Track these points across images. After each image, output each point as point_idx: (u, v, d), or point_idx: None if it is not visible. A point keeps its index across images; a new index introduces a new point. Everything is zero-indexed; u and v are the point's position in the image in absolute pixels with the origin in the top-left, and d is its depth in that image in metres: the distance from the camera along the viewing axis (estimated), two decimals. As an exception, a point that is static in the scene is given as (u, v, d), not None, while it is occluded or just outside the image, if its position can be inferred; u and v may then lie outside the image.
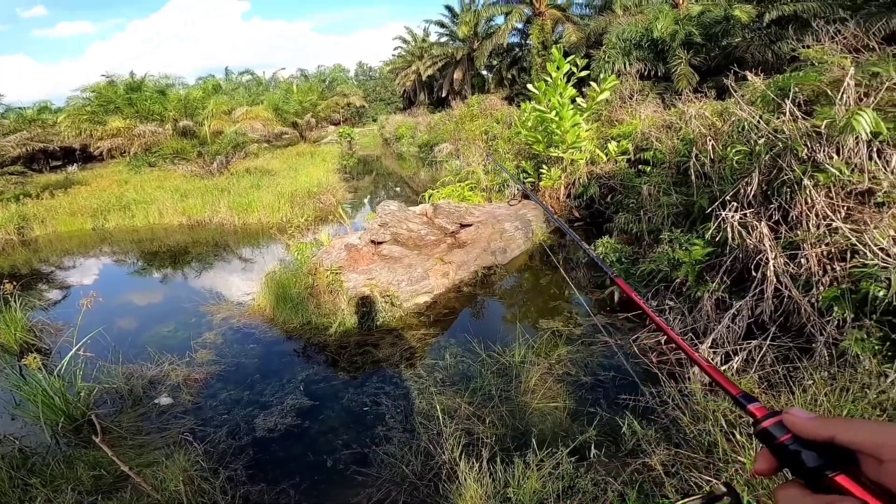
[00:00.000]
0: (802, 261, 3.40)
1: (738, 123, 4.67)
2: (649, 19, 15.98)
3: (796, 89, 4.46)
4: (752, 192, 3.79)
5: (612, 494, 2.32)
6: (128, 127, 15.67)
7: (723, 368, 3.30)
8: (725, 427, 2.60)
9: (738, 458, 2.31)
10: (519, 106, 12.61)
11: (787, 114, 3.81)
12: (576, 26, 22.59)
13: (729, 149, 4.54)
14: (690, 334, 3.83)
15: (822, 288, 3.49)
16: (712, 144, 4.78)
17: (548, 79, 7.82)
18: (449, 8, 33.83)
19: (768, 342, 3.38)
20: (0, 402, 4.19)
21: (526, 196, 8.07)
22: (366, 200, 12.90)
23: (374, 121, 37.52)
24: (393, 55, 41.48)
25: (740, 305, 3.60)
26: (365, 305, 4.84)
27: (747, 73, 5.27)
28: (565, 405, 3.49)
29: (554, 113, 7.63)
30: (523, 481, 2.42)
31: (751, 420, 0.40)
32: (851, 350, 3.08)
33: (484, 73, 31.20)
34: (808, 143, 3.59)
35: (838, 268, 3.49)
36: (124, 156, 16.79)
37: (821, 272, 3.54)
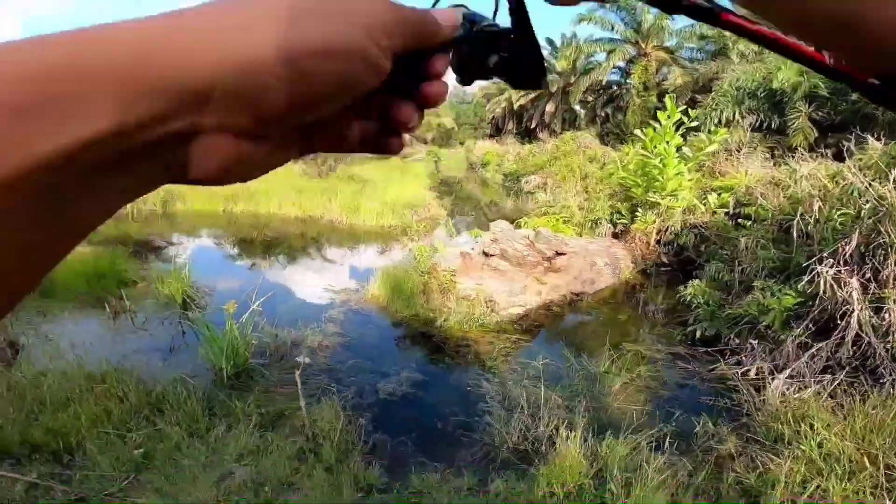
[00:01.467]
0: (886, 315, 3.85)
1: (848, 188, 5.07)
2: (769, 69, 15.87)
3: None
4: (850, 252, 4.24)
5: (681, 471, 2.97)
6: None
7: (795, 397, 3.77)
8: (793, 424, 3.18)
9: (800, 446, 2.90)
10: (612, 146, 13.19)
11: (892, 182, 4.26)
12: (683, 70, 22.72)
13: (834, 211, 4.96)
14: (770, 366, 4.32)
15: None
16: (819, 206, 5.20)
17: (656, 125, 8.44)
18: (550, 41, 35.17)
19: (841, 378, 3.84)
20: (164, 343, 5.21)
21: (615, 236, 8.69)
22: (448, 219, 13.96)
23: (462, 144, 38.99)
24: (480, 88, 43.19)
25: (820, 346, 4.08)
26: (469, 307, 5.70)
27: (867, 135, 5.70)
28: (643, 409, 4.11)
29: (659, 160, 8.22)
30: (614, 445, 3.12)
31: None
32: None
33: (577, 108, 31.82)
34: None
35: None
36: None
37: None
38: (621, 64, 26.42)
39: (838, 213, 4.91)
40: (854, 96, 14.24)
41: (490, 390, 4.50)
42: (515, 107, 36.82)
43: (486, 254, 5.98)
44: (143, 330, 5.63)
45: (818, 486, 2.68)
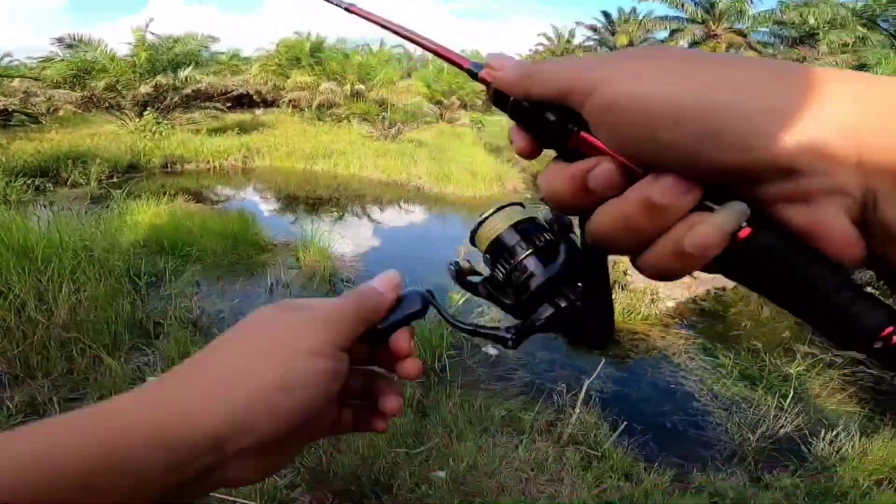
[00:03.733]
0: None
1: None
2: (861, 59, 15.41)
3: None
4: None
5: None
6: (312, 84, 17.81)
7: None
8: None
9: None
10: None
11: None
12: (758, 55, 22.13)
13: None
14: None
15: None
16: None
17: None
18: (606, 14, 34.09)
19: None
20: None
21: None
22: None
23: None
24: (530, 51, 42.03)
25: None
26: (632, 299, 5.70)
27: None
28: (860, 412, 4.17)
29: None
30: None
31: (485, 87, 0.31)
32: None
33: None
34: None
35: None
36: (298, 108, 18.92)
37: None
38: (684, 44, 25.71)
39: None
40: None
41: (695, 389, 4.52)
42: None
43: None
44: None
45: None
